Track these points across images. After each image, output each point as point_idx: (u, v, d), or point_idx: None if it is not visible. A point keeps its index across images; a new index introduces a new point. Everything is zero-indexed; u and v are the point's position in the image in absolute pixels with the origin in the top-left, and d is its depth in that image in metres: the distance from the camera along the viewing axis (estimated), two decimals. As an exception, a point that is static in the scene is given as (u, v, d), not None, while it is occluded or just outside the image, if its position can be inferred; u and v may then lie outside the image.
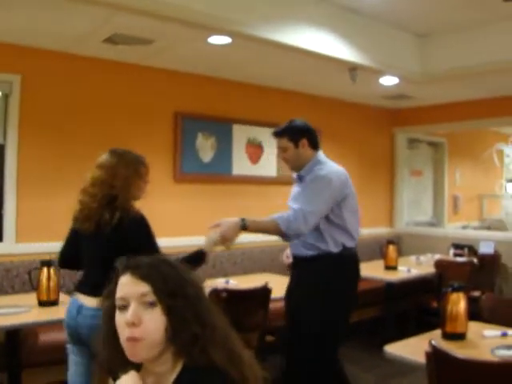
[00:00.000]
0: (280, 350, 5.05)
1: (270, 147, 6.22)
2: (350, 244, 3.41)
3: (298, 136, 3.45)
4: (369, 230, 6.94)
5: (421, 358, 2.59)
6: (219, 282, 4.74)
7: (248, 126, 6.03)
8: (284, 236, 3.21)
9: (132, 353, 1.36)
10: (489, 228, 8.71)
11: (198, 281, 1.46)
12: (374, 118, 7.59)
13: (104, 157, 3.05)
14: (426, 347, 2.55)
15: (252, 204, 6.00)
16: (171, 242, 5.35)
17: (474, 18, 5.03)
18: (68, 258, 3.13)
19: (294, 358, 3.46)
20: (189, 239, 5.48)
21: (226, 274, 5.43)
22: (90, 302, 2.75)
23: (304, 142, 3.46)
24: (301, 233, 3.20)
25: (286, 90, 6.36)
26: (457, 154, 9.04)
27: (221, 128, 5.79)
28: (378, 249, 6.30)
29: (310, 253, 3.38)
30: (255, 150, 6.10)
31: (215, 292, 3.88)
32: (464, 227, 8.72)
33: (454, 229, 8.40)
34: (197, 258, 3.08)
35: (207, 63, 5.24)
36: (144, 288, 1.37)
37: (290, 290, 3.60)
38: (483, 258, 6.45)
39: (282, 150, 3.52)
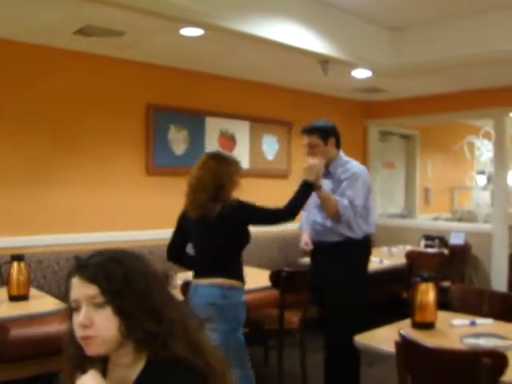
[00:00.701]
0: (257, 342, 5.11)
1: (243, 139, 6.24)
2: (369, 231, 3.95)
3: (328, 135, 3.85)
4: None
5: (390, 347, 2.63)
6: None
7: (221, 119, 6.02)
8: (334, 216, 3.72)
9: (88, 349, 1.38)
10: (460, 219, 8.82)
11: (150, 275, 1.44)
12: (346, 110, 7.63)
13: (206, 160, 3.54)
14: (395, 336, 2.59)
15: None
16: (143, 235, 5.36)
17: (446, 12, 5.08)
18: (177, 248, 3.67)
19: (338, 330, 3.80)
20: (161, 232, 5.47)
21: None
22: (204, 282, 3.35)
23: (332, 140, 3.87)
24: (348, 220, 3.73)
25: (259, 82, 6.36)
26: (429, 147, 9.13)
27: (193, 120, 5.77)
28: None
29: (337, 239, 3.83)
30: (228, 143, 6.10)
31: (187, 284, 3.87)
32: (435, 219, 8.81)
33: (425, 220, 8.49)
34: (306, 189, 3.49)
35: (180, 55, 5.22)
36: (92, 290, 1.37)
37: (323, 271, 3.92)
38: (454, 249, 6.54)
39: (310, 147, 3.85)
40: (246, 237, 3.51)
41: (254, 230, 6.19)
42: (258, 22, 4.41)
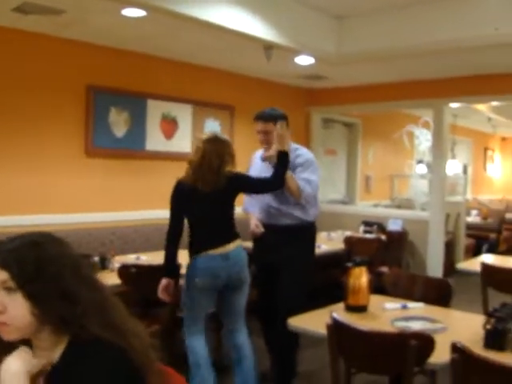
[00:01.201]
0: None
1: (185, 123, 6.20)
2: (317, 214, 4.24)
3: (286, 120, 3.98)
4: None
5: (323, 330, 2.68)
6: (129, 258, 4.71)
7: (163, 102, 5.96)
8: (296, 193, 3.88)
9: (3, 335, 1.38)
10: (398, 207, 9.01)
11: (65, 258, 1.42)
12: (289, 96, 7.67)
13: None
14: (328, 319, 2.64)
15: (165, 180, 5.96)
16: (83, 217, 5.28)
17: (389, 2, 5.15)
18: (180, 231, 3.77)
19: (291, 304, 3.82)
20: (101, 215, 5.42)
21: (137, 251, 5.38)
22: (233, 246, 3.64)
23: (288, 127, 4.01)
24: (309, 199, 3.98)
25: (202, 66, 6.32)
26: (370, 135, 9.28)
27: (135, 103, 5.70)
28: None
29: (291, 222, 4.03)
30: (170, 126, 6.06)
31: (124, 268, 3.86)
32: (375, 206, 8.98)
33: (365, 207, 8.64)
34: (284, 158, 3.76)
35: (121, 36, 5.14)
36: (3, 275, 1.36)
37: (275, 251, 4.06)
38: (391, 235, 6.69)
39: (264, 133, 4.00)
40: None
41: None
42: (200, 4, 4.37)
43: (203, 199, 3.61)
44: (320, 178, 4.18)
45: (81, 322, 1.36)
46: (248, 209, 4.33)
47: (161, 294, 3.60)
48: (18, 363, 1.37)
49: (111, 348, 1.36)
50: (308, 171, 3.97)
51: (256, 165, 4.25)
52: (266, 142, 4.00)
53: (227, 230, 3.71)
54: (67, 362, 1.37)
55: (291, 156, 3.89)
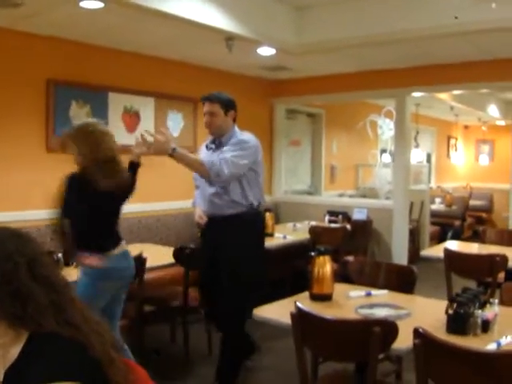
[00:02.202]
0: (163, 319, 5.10)
1: (148, 116, 6.14)
2: (262, 202, 4.08)
3: (230, 106, 3.97)
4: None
5: (288, 320, 2.68)
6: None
7: (125, 95, 5.88)
8: (206, 175, 3.74)
9: None
10: (363, 196, 9.09)
11: (17, 256, 1.38)
12: (252, 88, 7.65)
13: None
14: (292, 309, 2.65)
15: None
16: (43, 214, 5.19)
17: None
18: None
19: (233, 307, 3.89)
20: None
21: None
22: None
23: (232, 113, 4.00)
24: (221, 175, 3.69)
25: (164, 58, 6.26)
26: (334, 125, 9.32)
27: (96, 96, 5.61)
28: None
29: (232, 211, 3.89)
30: (132, 119, 5.99)
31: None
32: (340, 195, 9.03)
33: (329, 197, 8.68)
34: (133, 167, 3.71)
35: (81, 29, 5.05)
36: None
37: (216, 245, 3.97)
38: (356, 224, 6.75)
39: (210, 115, 3.93)
40: None
41: (161, 206, 6.18)
42: (159, -5, 4.33)
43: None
44: (260, 161, 4.04)
45: (35, 320, 1.35)
46: (195, 202, 4.24)
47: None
48: None
49: (70, 343, 1.35)
50: (232, 151, 3.80)
51: (202, 153, 4.18)
52: (209, 125, 3.96)
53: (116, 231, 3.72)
54: (25, 357, 1.36)
55: (231, 140, 3.92)
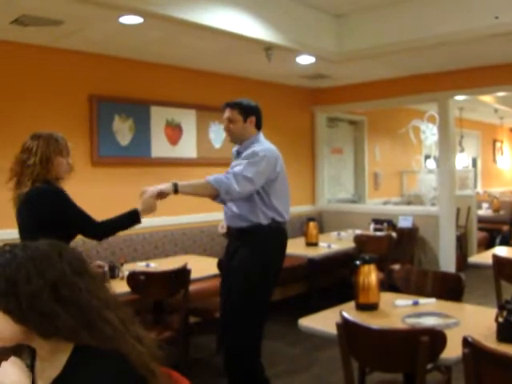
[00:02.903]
0: (208, 330, 5.11)
1: (190, 128, 6.19)
2: (279, 219, 3.68)
3: (249, 112, 3.75)
4: (291, 208, 7.01)
5: (334, 330, 2.65)
6: (139, 266, 4.70)
7: (166, 108, 5.94)
8: (217, 196, 3.44)
9: None
10: (408, 203, 8.97)
11: (43, 276, 1.39)
12: (293, 97, 7.65)
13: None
14: (338, 319, 2.62)
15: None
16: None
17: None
18: None
19: (231, 323, 3.66)
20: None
21: (147, 258, 5.40)
22: None
23: (252, 119, 3.75)
24: (232, 192, 3.42)
25: (204, 70, 6.31)
26: (376, 132, 9.24)
27: (138, 110, 5.69)
28: (301, 226, 6.40)
29: (243, 224, 3.63)
30: (174, 132, 6.04)
31: (133, 275, 3.86)
32: (385, 203, 8.93)
33: (374, 205, 8.60)
34: (130, 217, 3.54)
35: (121, 44, 5.14)
36: None
37: (229, 257, 3.78)
38: (402, 232, 6.65)
39: (229, 121, 3.74)
40: None
41: (201, 218, 6.20)
42: (198, 9, 4.37)
43: None
44: (279, 174, 3.67)
45: (69, 336, 1.37)
46: None
47: None
48: (16, 370, 1.38)
49: (111, 356, 1.37)
50: (243, 164, 3.51)
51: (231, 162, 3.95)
52: (228, 131, 3.78)
53: None
54: (70, 369, 1.38)
55: (246, 151, 3.66)
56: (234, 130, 3.74)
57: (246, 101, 3.83)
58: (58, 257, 1.44)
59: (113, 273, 4.25)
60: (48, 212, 3.16)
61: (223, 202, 3.58)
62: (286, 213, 3.74)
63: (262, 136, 3.81)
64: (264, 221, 3.62)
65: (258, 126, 3.81)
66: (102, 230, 3.47)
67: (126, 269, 4.30)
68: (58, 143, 3.35)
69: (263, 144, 3.72)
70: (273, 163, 3.62)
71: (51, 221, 3.11)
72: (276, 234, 3.70)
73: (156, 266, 4.79)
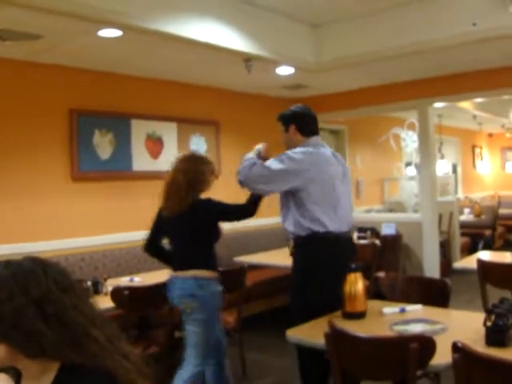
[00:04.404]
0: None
1: (171, 141, 6.16)
2: (318, 229, 3.40)
3: (287, 121, 3.63)
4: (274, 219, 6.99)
5: (322, 340, 2.63)
6: (123, 281, 4.65)
7: (147, 121, 5.92)
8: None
9: None
10: (390, 210, 8.99)
11: (25, 295, 1.36)
12: (273, 108, 7.55)
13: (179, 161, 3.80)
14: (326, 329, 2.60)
15: (154, 200, 5.90)
16: (74, 242, 5.22)
17: (365, 7, 5.16)
18: (152, 244, 3.87)
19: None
20: (91, 239, 5.37)
21: (131, 272, 5.33)
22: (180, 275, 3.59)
23: (292, 127, 3.60)
24: (239, 174, 3.40)
25: (184, 82, 6.29)
26: (357, 141, 9.26)
27: (118, 123, 5.65)
28: (287, 236, 6.38)
29: (291, 236, 3.55)
30: (155, 145, 6.01)
31: (117, 291, 3.81)
32: (368, 211, 8.94)
33: (357, 213, 8.59)
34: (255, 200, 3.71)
35: (100, 58, 5.11)
36: None
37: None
38: (385, 239, 6.66)
39: (280, 134, 3.69)
40: (216, 232, 3.74)
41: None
42: (177, 21, 4.36)
43: (169, 223, 3.70)
44: (317, 181, 3.41)
45: (55, 354, 1.34)
46: None
47: None
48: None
49: (100, 372, 1.34)
50: (273, 159, 3.45)
51: None
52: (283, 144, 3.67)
53: (184, 257, 3.66)
54: None
55: None
56: (282, 141, 3.68)
57: (288, 110, 3.72)
58: (42, 273, 1.40)
59: (96, 288, 4.21)
60: None
61: (241, 184, 3.47)
62: (330, 220, 3.42)
63: (312, 142, 3.57)
64: (301, 232, 3.43)
65: (303, 132, 3.60)
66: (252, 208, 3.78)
67: (110, 284, 4.25)
68: None
69: (306, 148, 3.49)
70: (301, 167, 3.40)
71: None
72: (316, 248, 3.44)
73: (140, 280, 4.73)
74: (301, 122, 3.63)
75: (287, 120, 3.64)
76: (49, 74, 5.17)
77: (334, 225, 3.44)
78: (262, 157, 3.54)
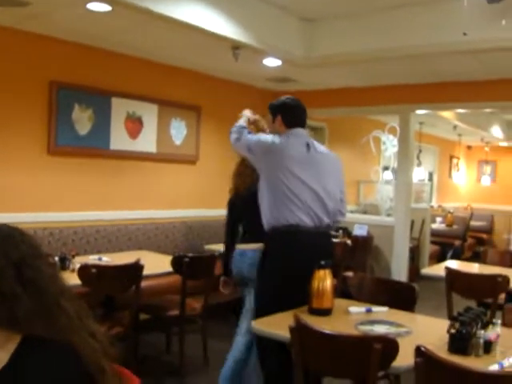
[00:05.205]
0: (159, 328, 5.05)
1: (151, 122, 6.10)
2: (274, 223, 3.44)
3: (274, 112, 3.65)
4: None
5: (287, 333, 2.62)
6: (91, 259, 4.60)
7: (128, 100, 5.84)
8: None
9: None
10: (364, 212, 9.02)
11: (6, 257, 1.35)
12: (256, 99, 7.59)
13: None
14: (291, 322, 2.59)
15: (129, 180, 5.87)
16: (44, 217, 5.15)
17: (358, 6, 5.14)
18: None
19: None
20: (63, 215, 5.31)
21: (100, 251, 5.29)
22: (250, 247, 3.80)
23: (279, 118, 3.60)
24: (230, 135, 3.72)
25: (169, 65, 6.23)
26: (336, 140, 9.25)
27: (99, 100, 5.56)
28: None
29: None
30: (135, 125, 5.94)
31: (84, 268, 3.76)
32: (341, 211, 8.95)
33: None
34: None
35: (87, 32, 5.03)
36: None
37: None
38: (356, 240, 6.70)
39: (268, 123, 3.77)
40: None
41: (157, 215, 6.13)
42: (168, 1, 4.30)
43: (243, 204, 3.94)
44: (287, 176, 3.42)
45: (25, 324, 1.32)
46: None
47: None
48: None
49: (61, 349, 1.33)
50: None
51: None
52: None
53: (255, 230, 3.75)
54: (15, 360, 1.33)
55: None
56: (269, 130, 3.73)
57: (277, 100, 3.73)
58: (20, 238, 1.41)
59: (64, 264, 4.14)
60: None
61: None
62: (285, 214, 3.42)
63: (294, 132, 3.57)
64: (265, 226, 3.50)
65: (288, 124, 3.60)
66: None
67: (78, 261, 4.20)
68: None
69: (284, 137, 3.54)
70: (269, 149, 3.48)
71: None
72: (275, 243, 3.49)
73: (108, 260, 4.68)
74: (287, 113, 3.63)
75: (275, 110, 3.66)
76: (31, 43, 5.06)
77: (283, 217, 3.42)
78: (251, 122, 3.84)
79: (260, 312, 3.29)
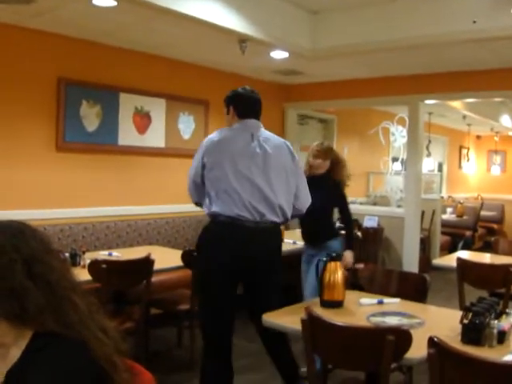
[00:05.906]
0: (170, 323, 5.05)
1: (159, 117, 6.09)
2: (215, 210, 3.39)
3: (228, 103, 3.61)
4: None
5: (298, 326, 2.61)
6: (101, 255, 4.60)
7: (136, 95, 5.82)
8: None
9: None
10: (374, 203, 8.98)
11: (17, 252, 1.35)
12: (265, 92, 7.48)
13: None
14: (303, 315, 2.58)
15: (138, 175, 5.87)
16: (54, 213, 5.16)
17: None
18: None
19: None
20: (72, 211, 5.31)
21: (110, 247, 5.30)
22: None
23: (231, 109, 3.58)
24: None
25: (176, 59, 6.21)
26: (345, 132, 9.24)
27: (107, 96, 5.56)
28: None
29: None
30: (143, 120, 5.93)
31: (94, 263, 3.77)
32: (351, 203, 8.91)
33: (340, 204, 8.57)
34: None
35: (93, 27, 5.01)
36: None
37: None
38: (367, 232, 6.68)
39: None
40: None
41: (167, 210, 6.13)
42: (174, -5, 4.29)
43: None
44: (211, 163, 3.45)
45: (36, 320, 1.32)
46: None
47: None
48: None
49: (72, 345, 1.33)
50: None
51: None
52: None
53: None
54: (27, 358, 1.33)
55: None
56: (225, 123, 3.64)
57: (230, 91, 3.67)
58: (31, 233, 1.42)
59: (74, 260, 4.15)
60: None
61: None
62: (220, 205, 3.39)
63: (243, 123, 3.54)
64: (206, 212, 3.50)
65: (239, 115, 3.55)
66: None
67: (88, 257, 4.20)
68: None
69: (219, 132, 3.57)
70: (201, 151, 3.50)
71: None
72: (214, 231, 3.46)
73: (118, 255, 4.68)
74: (239, 104, 3.58)
75: (228, 102, 3.62)
76: (38, 41, 5.06)
77: (219, 208, 3.38)
78: None
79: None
